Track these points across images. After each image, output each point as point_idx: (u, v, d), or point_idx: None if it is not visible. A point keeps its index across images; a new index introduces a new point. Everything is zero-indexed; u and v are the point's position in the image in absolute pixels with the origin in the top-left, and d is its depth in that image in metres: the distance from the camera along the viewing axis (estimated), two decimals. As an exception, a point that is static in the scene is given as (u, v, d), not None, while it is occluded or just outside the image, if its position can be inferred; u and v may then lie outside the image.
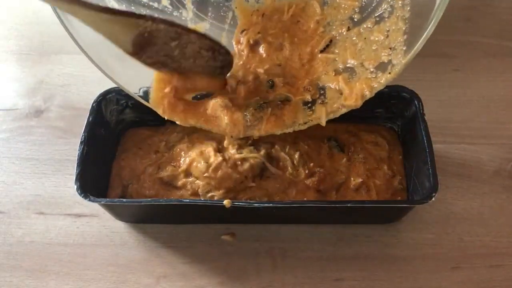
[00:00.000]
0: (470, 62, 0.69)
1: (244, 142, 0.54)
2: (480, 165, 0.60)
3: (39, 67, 0.71)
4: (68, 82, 0.69)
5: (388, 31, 0.49)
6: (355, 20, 0.52)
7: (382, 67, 0.49)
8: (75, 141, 0.57)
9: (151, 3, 0.55)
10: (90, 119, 0.54)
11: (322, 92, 0.52)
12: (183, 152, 0.56)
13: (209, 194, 0.52)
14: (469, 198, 0.57)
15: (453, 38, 0.71)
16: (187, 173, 0.54)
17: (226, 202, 0.48)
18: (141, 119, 0.59)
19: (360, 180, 0.54)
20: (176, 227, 0.56)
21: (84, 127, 0.53)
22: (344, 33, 0.53)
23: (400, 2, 0.49)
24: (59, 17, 0.46)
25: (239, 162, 0.52)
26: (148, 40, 0.45)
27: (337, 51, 0.52)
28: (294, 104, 0.52)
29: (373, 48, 0.50)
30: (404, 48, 0.48)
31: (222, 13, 0.57)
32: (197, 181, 0.53)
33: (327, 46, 0.53)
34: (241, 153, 0.53)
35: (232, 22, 0.57)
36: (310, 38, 0.54)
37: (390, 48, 0.49)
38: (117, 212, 0.55)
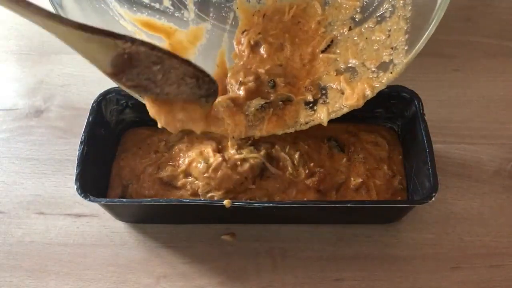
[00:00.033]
0: (470, 62, 0.69)
1: (244, 142, 0.54)
2: (480, 165, 0.60)
3: (39, 67, 0.71)
4: (68, 82, 0.69)
5: (390, 30, 0.49)
6: (357, 20, 0.52)
7: (383, 66, 0.49)
8: (75, 141, 0.57)
9: (152, 4, 0.55)
10: (90, 119, 0.54)
11: (323, 92, 0.52)
12: (182, 152, 0.56)
13: (209, 195, 0.52)
14: (469, 198, 0.57)
15: (453, 38, 0.71)
16: (187, 173, 0.54)
17: (226, 202, 0.48)
18: (141, 119, 0.59)
19: (360, 180, 0.54)
20: (176, 227, 0.56)
21: (84, 127, 0.53)
22: (346, 33, 0.53)
23: (401, 1, 0.49)
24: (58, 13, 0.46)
25: (239, 163, 0.52)
26: (128, 62, 0.43)
27: (338, 51, 0.52)
28: (295, 104, 0.52)
29: (375, 47, 0.50)
30: (406, 48, 0.48)
31: (223, 14, 0.57)
32: (197, 182, 0.53)
33: (328, 46, 0.53)
34: (241, 154, 0.53)
35: (233, 23, 0.57)
36: (311, 39, 0.54)
37: (392, 48, 0.49)
38: (117, 212, 0.55)
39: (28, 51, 0.73)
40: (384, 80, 0.49)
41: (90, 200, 0.49)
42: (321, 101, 0.52)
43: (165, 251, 0.55)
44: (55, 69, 0.70)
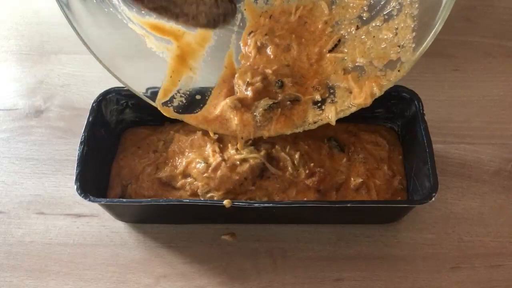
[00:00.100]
0: (470, 62, 0.69)
1: (244, 141, 0.54)
2: (480, 165, 0.60)
3: (39, 67, 0.71)
4: (68, 82, 0.69)
5: (397, 28, 0.49)
6: (364, 18, 0.52)
7: (391, 65, 0.49)
8: (75, 141, 0.57)
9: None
10: (90, 119, 0.54)
11: (331, 91, 0.52)
12: (181, 153, 0.56)
13: (209, 195, 0.52)
14: (469, 198, 0.57)
15: (453, 38, 0.71)
16: (185, 174, 0.54)
17: (226, 202, 0.48)
18: (141, 119, 0.59)
19: (360, 180, 0.54)
20: (176, 227, 0.56)
21: (84, 127, 0.53)
22: (353, 32, 0.52)
23: None
24: (67, 17, 0.46)
25: (238, 163, 0.52)
26: None
27: (346, 50, 0.52)
28: (303, 104, 0.52)
29: (382, 46, 0.50)
30: (413, 45, 0.48)
31: None
32: (196, 182, 0.53)
33: (336, 45, 0.53)
34: (241, 154, 0.53)
35: (241, 24, 0.57)
36: (318, 39, 0.54)
37: (399, 46, 0.49)
38: (117, 212, 0.55)
39: (28, 51, 0.73)
40: (392, 78, 0.49)
41: (90, 200, 0.49)
42: (329, 100, 0.52)
43: (165, 251, 0.55)
44: (55, 69, 0.70)
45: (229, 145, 0.54)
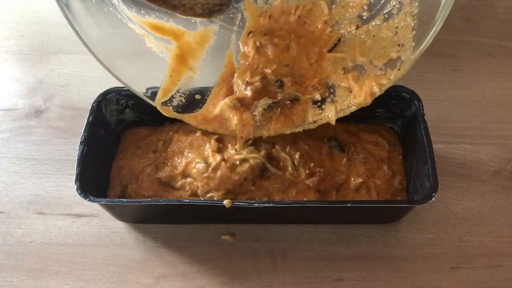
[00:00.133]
0: (470, 62, 0.69)
1: (244, 141, 0.54)
2: (480, 165, 0.60)
3: (39, 67, 0.71)
4: (68, 82, 0.69)
5: (397, 27, 0.49)
6: (364, 18, 0.52)
7: (391, 63, 0.49)
8: (75, 141, 0.57)
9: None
10: (90, 119, 0.54)
11: (331, 90, 0.52)
12: (180, 153, 0.56)
13: (209, 195, 0.52)
14: (469, 198, 0.57)
15: (453, 38, 0.71)
16: (185, 174, 0.54)
17: (226, 202, 0.48)
18: (141, 119, 0.59)
19: (360, 180, 0.54)
20: (176, 227, 0.56)
21: (84, 127, 0.53)
22: (353, 31, 0.52)
23: None
24: (66, 17, 0.46)
25: (238, 163, 0.52)
26: None
27: (345, 49, 0.52)
28: (303, 104, 0.52)
29: (382, 45, 0.50)
30: (413, 44, 0.48)
31: (231, 15, 0.57)
32: (196, 182, 0.53)
33: (336, 45, 0.53)
34: (241, 154, 0.53)
35: (241, 24, 0.57)
36: (317, 39, 0.54)
37: (399, 45, 0.49)
38: (117, 212, 0.55)
39: (28, 51, 0.73)
40: (392, 77, 0.49)
41: (90, 200, 0.49)
42: (329, 99, 0.52)
43: (165, 251, 0.55)
44: (55, 69, 0.70)
45: (229, 145, 0.54)
